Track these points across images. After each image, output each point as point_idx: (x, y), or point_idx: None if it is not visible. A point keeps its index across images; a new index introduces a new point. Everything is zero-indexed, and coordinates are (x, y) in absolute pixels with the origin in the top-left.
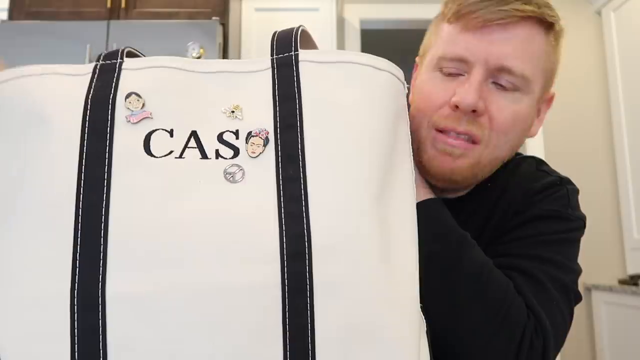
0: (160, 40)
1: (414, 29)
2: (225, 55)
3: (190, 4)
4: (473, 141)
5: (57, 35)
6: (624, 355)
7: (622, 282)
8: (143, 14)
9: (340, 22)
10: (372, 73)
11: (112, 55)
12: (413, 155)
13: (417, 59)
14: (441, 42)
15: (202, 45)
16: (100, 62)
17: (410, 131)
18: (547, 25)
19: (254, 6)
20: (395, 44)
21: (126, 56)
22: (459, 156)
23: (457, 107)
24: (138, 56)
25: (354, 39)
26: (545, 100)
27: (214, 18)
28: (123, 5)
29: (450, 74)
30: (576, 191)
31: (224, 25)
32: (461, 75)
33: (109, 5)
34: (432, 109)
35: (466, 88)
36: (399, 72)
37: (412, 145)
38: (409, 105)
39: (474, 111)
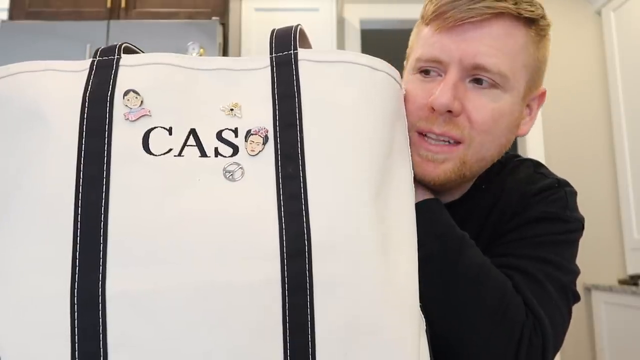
0: (160, 40)
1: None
2: (225, 55)
3: (190, 4)
4: (456, 142)
5: (57, 35)
6: (624, 355)
7: (622, 282)
8: (143, 14)
9: (340, 22)
10: (370, 73)
11: (109, 51)
12: None
13: (404, 62)
14: (420, 44)
15: (202, 45)
16: (97, 58)
17: None
18: (526, 20)
19: (254, 6)
20: (395, 44)
21: (123, 52)
22: (442, 161)
23: (433, 108)
24: (135, 52)
25: (354, 39)
26: (535, 97)
27: (214, 18)
28: (123, 5)
29: (428, 76)
30: (574, 193)
31: (224, 25)
32: (439, 76)
33: (109, 5)
34: (414, 112)
35: (441, 88)
36: (395, 73)
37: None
38: None
39: (450, 111)
